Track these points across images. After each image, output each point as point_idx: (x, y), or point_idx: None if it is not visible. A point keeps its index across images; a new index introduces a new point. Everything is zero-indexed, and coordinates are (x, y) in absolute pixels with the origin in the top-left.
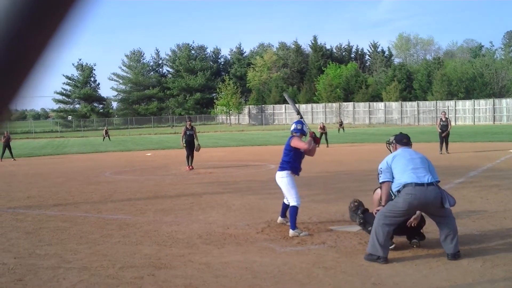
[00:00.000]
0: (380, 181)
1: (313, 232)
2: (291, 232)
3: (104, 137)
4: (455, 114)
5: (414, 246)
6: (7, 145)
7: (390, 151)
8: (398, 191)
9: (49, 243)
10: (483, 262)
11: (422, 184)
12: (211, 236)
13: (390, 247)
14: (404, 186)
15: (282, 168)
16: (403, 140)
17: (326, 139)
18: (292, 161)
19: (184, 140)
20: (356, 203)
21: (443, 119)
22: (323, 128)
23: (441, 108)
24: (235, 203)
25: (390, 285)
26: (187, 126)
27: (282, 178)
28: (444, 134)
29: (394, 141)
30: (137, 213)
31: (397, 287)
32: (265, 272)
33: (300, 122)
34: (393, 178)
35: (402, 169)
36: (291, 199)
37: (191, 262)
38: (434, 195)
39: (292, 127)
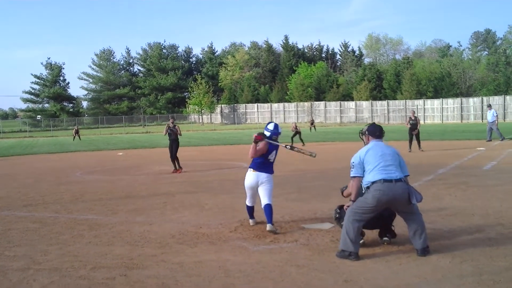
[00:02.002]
0: (352, 175)
1: (285, 230)
2: (271, 226)
3: (74, 137)
4: (424, 113)
5: (385, 243)
6: None
7: (363, 140)
8: (368, 188)
9: (19, 245)
10: (452, 258)
11: (390, 181)
12: (184, 236)
13: (360, 242)
14: (373, 182)
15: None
16: (376, 132)
17: (301, 138)
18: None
19: (167, 135)
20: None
21: (412, 118)
22: (295, 128)
23: (411, 107)
24: (208, 202)
25: (361, 282)
26: (170, 125)
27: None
28: (415, 132)
29: (367, 132)
30: (109, 213)
31: (369, 284)
32: (238, 271)
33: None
34: (364, 172)
35: (373, 165)
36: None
37: (164, 262)
38: (401, 191)
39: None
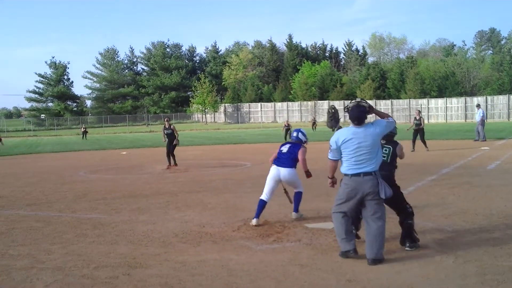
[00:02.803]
0: (329, 157)
1: (288, 229)
2: (295, 214)
3: (83, 136)
4: (428, 112)
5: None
6: None
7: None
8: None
9: (22, 244)
10: (455, 258)
11: (358, 175)
12: (187, 235)
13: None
14: (344, 175)
15: (293, 166)
16: (354, 121)
17: (285, 137)
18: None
19: (165, 137)
20: (332, 110)
21: (417, 118)
22: (287, 125)
23: (414, 106)
24: (211, 201)
25: (364, 282)
26: (165, 125)
27: (295, 173)
28: (418, 129)
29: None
30: (112, 212)
31: (372, 283)
32: (241, 270)
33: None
34: (341, 156)
35: (346, 157)
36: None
37: (167, 261)
38: (370, 185)
39: (299, 135)
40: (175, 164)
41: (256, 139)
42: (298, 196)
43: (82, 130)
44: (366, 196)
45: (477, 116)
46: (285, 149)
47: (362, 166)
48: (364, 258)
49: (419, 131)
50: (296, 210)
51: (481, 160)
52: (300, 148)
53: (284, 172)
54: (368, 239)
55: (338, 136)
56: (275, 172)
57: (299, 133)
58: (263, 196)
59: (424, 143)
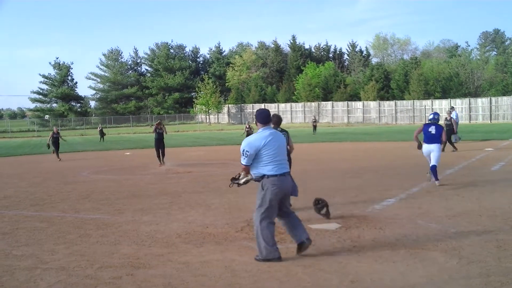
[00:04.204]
0: (243, 163)
1: None
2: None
3: (101, 138)
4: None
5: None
6: None
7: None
8: (262, 177)
9: (26, 244)
10: (459, 259)
11: (283, 174)
12: (190, 235)
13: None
14: (268, 176)
15: (440, 142)
16: (264, 119)
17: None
18: None
19: (155, 134)
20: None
21: (448, 118)
22: (249, 127)
23: (418, 107)
24: (214, 202)
25: (367, 283)
26: (157, 127)
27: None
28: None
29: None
30: (116, 213)
31: (375, 284)
32: (244, 271)
33: None
34: (254, 161)
35: (270, 158)
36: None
37: (170, 262)
38: (290, 184)
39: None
40: (163, 162)
41: None
42: (434, 167)
43: (99, 130)
44: (287, 194)
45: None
46: (433, 130)
47: (284, 165)
48: (367, 259)
49: (449, 131)
50: (436, 178)
51: (485, 161)
52: (443, 129)
53: (434, 147)
54: (297, 224)
55: (254, 140)
56: (428, 148)
57: (437, 115)
58: (431, 164)
59: (451, 143)
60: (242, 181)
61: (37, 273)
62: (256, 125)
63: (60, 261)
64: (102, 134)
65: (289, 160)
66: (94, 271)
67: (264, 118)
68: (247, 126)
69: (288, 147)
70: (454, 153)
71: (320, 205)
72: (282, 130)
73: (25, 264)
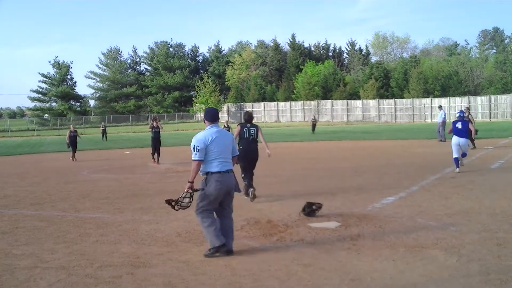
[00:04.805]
0: (195, 158)
1: (291, 229)
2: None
3: (103, 136)
4: (432, 112)
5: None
6: None
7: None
8: (206, 174)
9: (26, 243)
10: (459, 257)
11: (227, 172)
12: (190, 234)
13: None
14: (212, 173)
15: (467, 136)
16: (210, 117)
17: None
18: None
19: (152, 136)
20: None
21: (465, 115)
22: (227, 126)
23: (418, 105)
24: None
25: (368, 281)
26: (154, 124)
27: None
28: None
29: (204, 117)
30: (116, 212)
31: (375, 283)
32: (244, 270)
33: None
34: (204, 156)
35: (215, 155)
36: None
37: (170, 261)
38: (233, 181)
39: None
40: (158, 163)
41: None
42: (462, 156)
43: (102, 129)
44: (230, 191)
45: (439, 117)
46: (459, 125)
47: (228, 163)
48: (367, 257)
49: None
50: (457, 166)
51: (484, 159)
52: (468, 123)
53: (462, 140)
54: (227, 233)
55: (203, 136)
56: (457, 141)
57: (462, 113)
58: (455, 155)
59: (472, 141)
60: (183, 199)
61: (37, 272)
62: (204, 122)
63: (60, 260)
64: (104, 133)
65: (257, 151)
66: (94, 270)
67: (212, 116)
68: (226, 125)
69: (262, 139)
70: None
71: (309, 209)
72: (252, 125)
73: (25, 263)
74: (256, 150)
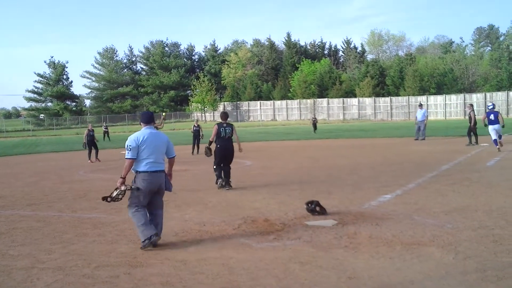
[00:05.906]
0: (127, 157)
1: (289, 227)
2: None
3: (104, 136)
4: (427, 109)
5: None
6: None
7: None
8: (137, 172)
9: (22, 244)
10: (456, 254)
11: (155, 172)
12: (187, 233)
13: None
14: (140, 172)
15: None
16: (145, 119)
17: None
18: None
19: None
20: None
21: (468, 112)
22: (197, 125)
23: (414, 103)
24: (211, 200)
25: (365, 279)
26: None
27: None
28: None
29: (139, 120)
30: (112, 212)
31: (372, 280)
32: (242, 268)
33: None
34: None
35: (146, 155)
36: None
37: (168, 260)
38: (162, 181)
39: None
40: None
41: (256, 138)
42: (498, 139)
43: (104, 129)
44: (159, 189)
45: (420, 115)
46: (492, 116)
47: (158, 163)
48: (364, 255)
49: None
50: (496, 145)
51: (480, 156)
52: (498, 113)
53: (497, 126)
54: (157, 223)
55: (136, 136)
56: (493, 127)
57: (493, 105)
58: (493, 137)
59: (476, 137)
60: (114, 193)
61: (34, 272)
62: (140, 124)
63: (57, 260)
64: (107, 134)
65: (232, 148)
66: (91, 270)
67: (147, 118)
68: (196, 125)
69: (235, 137)
70: (451, 149)
71: (313, 205)
72: (228, 124)
73: (22, 264)
74: (231, 147)
